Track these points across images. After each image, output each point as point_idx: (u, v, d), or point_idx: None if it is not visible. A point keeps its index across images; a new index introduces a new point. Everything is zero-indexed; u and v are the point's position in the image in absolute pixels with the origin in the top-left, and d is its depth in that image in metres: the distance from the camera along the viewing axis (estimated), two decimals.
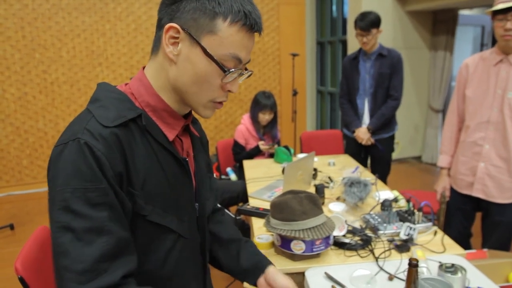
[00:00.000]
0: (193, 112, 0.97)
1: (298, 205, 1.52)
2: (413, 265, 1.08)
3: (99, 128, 0.76)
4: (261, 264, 1.10)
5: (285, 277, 1.05)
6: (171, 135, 0.88)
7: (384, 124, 3.02)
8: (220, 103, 0.88)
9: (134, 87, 0.87)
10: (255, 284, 1.11)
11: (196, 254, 1.00)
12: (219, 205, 1.25)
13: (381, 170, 2.75)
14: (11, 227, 3.81)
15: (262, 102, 3.24)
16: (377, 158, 3.15)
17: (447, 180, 2.31)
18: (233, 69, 0.82)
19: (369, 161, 3.31)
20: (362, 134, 3.02)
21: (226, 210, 2.70)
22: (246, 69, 0.89)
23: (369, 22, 2.82)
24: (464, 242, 2.23)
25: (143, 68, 0.90)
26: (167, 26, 0.79)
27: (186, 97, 0.85)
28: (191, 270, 0.98)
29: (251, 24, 0.80)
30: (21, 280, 1.22)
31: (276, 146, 3.23)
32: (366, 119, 3.10)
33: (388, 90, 2.97)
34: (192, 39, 0.79)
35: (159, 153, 0.85)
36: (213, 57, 0.79)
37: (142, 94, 0.86)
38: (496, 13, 1.90)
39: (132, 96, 0.86)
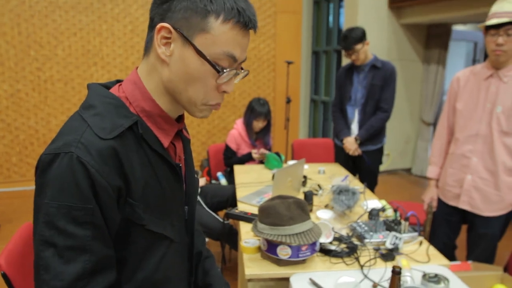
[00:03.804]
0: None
1: (285, 210, 1.52)
2: (396, 272, 1.09)
3: (96, 141, 0.73)
4: (213, 285, 1.13)
5: None
6: (166, 141, 0.86)
7: (372, 136, 3.04)
8: (217, 104, 0.84)
9: (128, 91, 0.84)
10: None
11: (184, 257, 1.00)
12: None
13: (368, 182, 2.77)
14: None
15: (257, 110, 3.25)
16: (364, 169, 3.16)
17: (434, 191, 2.33)
18: (227, 69, 0.79)
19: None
20: (350, 144, 3.04)
21: (215, 214, 2.70)
22: (242, 68, 0.86)
23: (351, 41, 2.85)
24: (449, 253, 2.25)
25: (136, 69, 0.87)
26: (158, 26, 0.77)
27: (180, 99, 0.83)
28: (179, 273, 0.98)
29: (245, 21, 0.77)
30: (4, 276, 1.21)
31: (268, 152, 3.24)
32: (354, 129, 3.12)
33: (378, 102, 3.00)
34: (184, 39, 0.77)
35: (153, 159, 0.83)
36: (206, 57, 0.76)
37: (137, 98, 0.83)
38: (488, 28, 1.94)
39: (126, 100, 0.83)
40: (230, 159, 3.32)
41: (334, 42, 5.86)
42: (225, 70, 0.78)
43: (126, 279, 0.84)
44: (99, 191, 0.72)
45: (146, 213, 0.82)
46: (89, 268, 0.72)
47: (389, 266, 1.56)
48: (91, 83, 0.85)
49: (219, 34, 0.76)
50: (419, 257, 1.64)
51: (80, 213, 0.71)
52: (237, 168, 3.10)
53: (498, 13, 1.90)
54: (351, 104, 3.11)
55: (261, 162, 3.31)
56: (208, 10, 0.75)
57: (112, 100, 0.81)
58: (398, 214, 1.91)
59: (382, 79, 2.95)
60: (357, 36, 2.86)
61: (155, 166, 0.84)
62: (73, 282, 0.71)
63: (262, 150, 3.27)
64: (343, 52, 2.99)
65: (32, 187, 4.92)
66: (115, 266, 0.80)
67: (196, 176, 1.08)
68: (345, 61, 4.98)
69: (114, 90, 0.85)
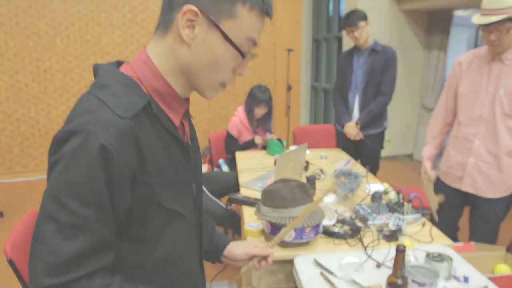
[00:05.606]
0: None
1: (288, 193, 1.53)
2: (400, 250, 1.09)
3: (115, 119, 0.72)
4: (221, 244, 1.17)
5: (241, 246, 1.16)
6: (176, 121, 0.87)
7: (373, 120, 3.04)
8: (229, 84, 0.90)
9: (139, 71, 0.83)
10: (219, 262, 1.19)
11: (194, 234, 1.01)
12: None
13: (370, 167, 2.77)
14: (1, 214, 3.79)
15: (258, 97, 3.25)
16: (366, 154, 3.16)
17: (427, 164, 2.32)
18: (249, 54, 0.84)
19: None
20: (350, 129, 3.04)
21: (217, 200, 2.71)
22: None
23: (355, 18, 2.87)
24: (451, 235, 2.25)
25: (145, 48, 0.85)
26: (185, 8, 0.76)
27: (196, 80, 0.84)
28: (192, 248, 1.00)
29: (267, 9, 0.82)
30: (10, 262, 1.22)
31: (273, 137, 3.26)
32: (355, 114, 3.12)
33: (379, 86, 2.99)
34: (211, 23, 0.78)
35: (166, 139, 0.84)
36: (233, 42, 0.79)
37: (149, 78, 0.82)
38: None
39: (137, 80, 0.82)
40: (232, 146, 3.32)
41: (334, 29, 5.82)
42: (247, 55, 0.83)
43: (146, 257, 0.86)
44: (112, 171, 0.72)
45: (162, 191, 0.82)
46: (87, 248, 0.72)
47: (392, 246, 1.57)
48: (98, 63, 0.84)
49: (245, 21, 0.80)
50: (422, 238, 1.65)
51: (86, 192, 0.70)
52: (239, 155, 3.11)
53: (486, 10, 1.86)
54: (352, 89, 3.10)
55: (263, 148, 3.31)
56: None
57: (124, 79, 0.80)
58: (401, 196, 1.91)
59: (382, 63, 2.94)
60: (361, 14, 2.90)
61: (168, 145, 0.85)
62: (68, 261, 0.70)
63: (268, 135, 3.28)
64: (343, 34, 2.99)
65: (34, 177, 4.94)
66: (113, 250, 0.79)
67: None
68: (346, 48, 4.95)
69: (123, 69, 0.84)
